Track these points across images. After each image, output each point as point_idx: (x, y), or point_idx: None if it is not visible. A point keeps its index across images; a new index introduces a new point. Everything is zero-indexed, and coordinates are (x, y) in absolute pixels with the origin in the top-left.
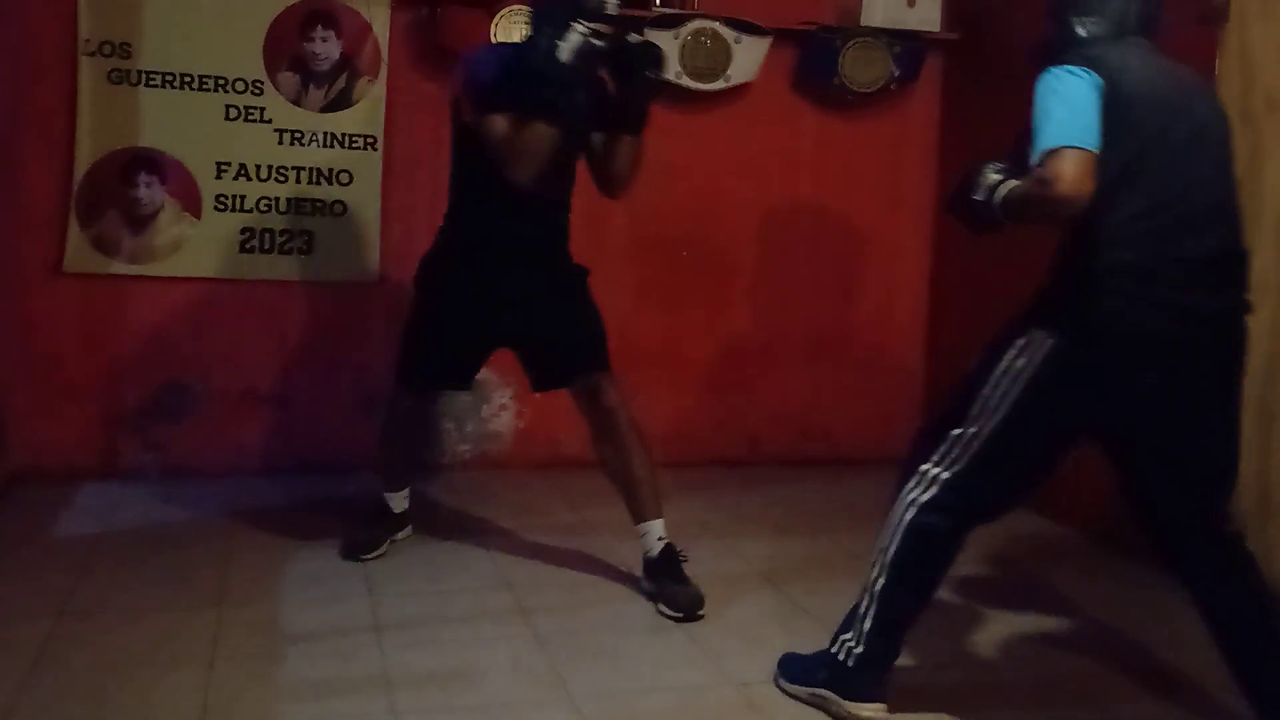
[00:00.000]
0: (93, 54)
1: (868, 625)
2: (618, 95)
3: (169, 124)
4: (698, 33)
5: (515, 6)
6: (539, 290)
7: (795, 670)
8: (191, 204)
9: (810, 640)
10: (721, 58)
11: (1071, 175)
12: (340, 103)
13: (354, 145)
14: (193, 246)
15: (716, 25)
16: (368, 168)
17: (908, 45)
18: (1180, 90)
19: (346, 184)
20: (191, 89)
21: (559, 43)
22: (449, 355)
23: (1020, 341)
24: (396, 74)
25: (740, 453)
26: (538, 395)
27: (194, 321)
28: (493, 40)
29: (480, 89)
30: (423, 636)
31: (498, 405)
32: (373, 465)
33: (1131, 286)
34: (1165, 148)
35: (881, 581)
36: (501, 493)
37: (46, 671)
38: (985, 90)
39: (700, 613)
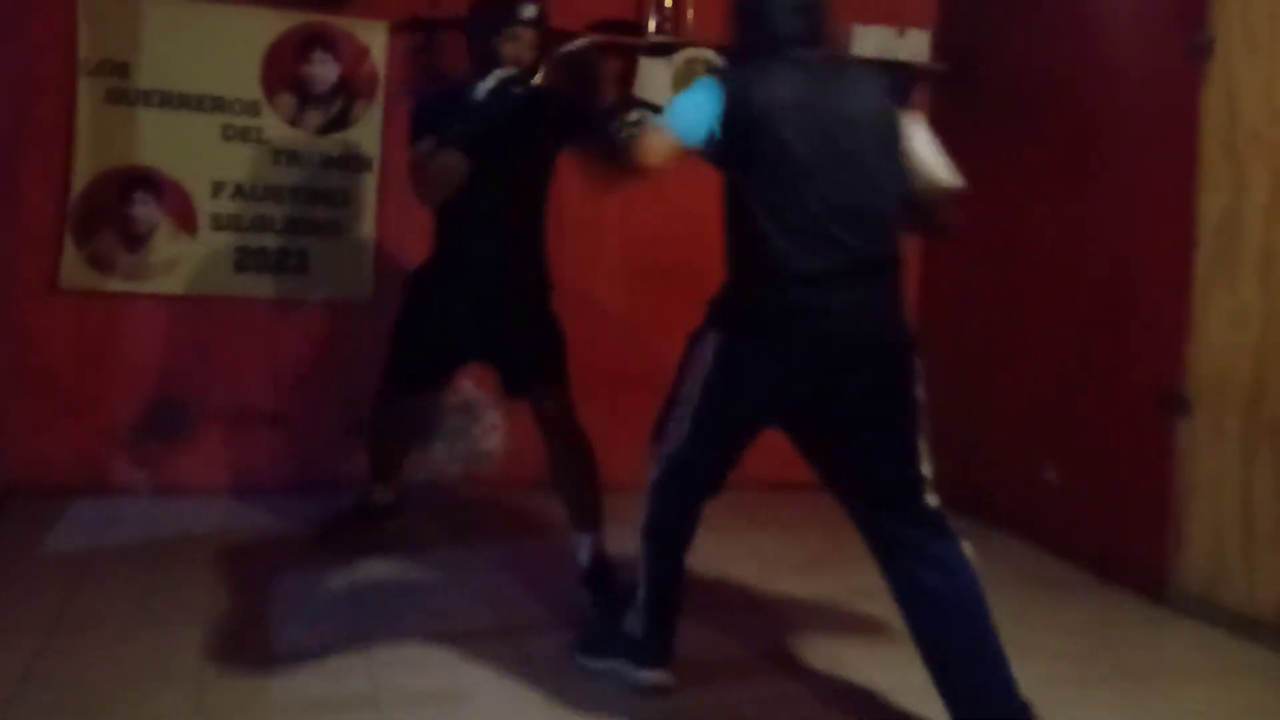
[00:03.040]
0: (92, 73)
1: (642, 596)
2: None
3: (166, 143)
4: (690, 60)
5: (514, 29)
6: (496, 304)
7: (592, 645)
8: (187, 222)
9: (797, 664)
10: None
11: (650, 145)
12: (337, 124)
13: (350, 166)
14: (188, 264)
15: (708, 53)
16: (363, 189)
17: (897, 75)
18: (819, 97)
19: (342, 204)
20: (189, 109)
21: (477, 83)
22: (417, 357)
23: (702, 336)
24: (393, 97)
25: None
26: (528, 416)
27: (188, 339)
28: None
29: (411, 120)
30: (412, 656)
31: (488, 425)
32: (363, 476)
33: (761, 289)
34: (788, 156)
35: (643, 557)
36: (492, 512)
37: (36, 688)
38: (972, 120)
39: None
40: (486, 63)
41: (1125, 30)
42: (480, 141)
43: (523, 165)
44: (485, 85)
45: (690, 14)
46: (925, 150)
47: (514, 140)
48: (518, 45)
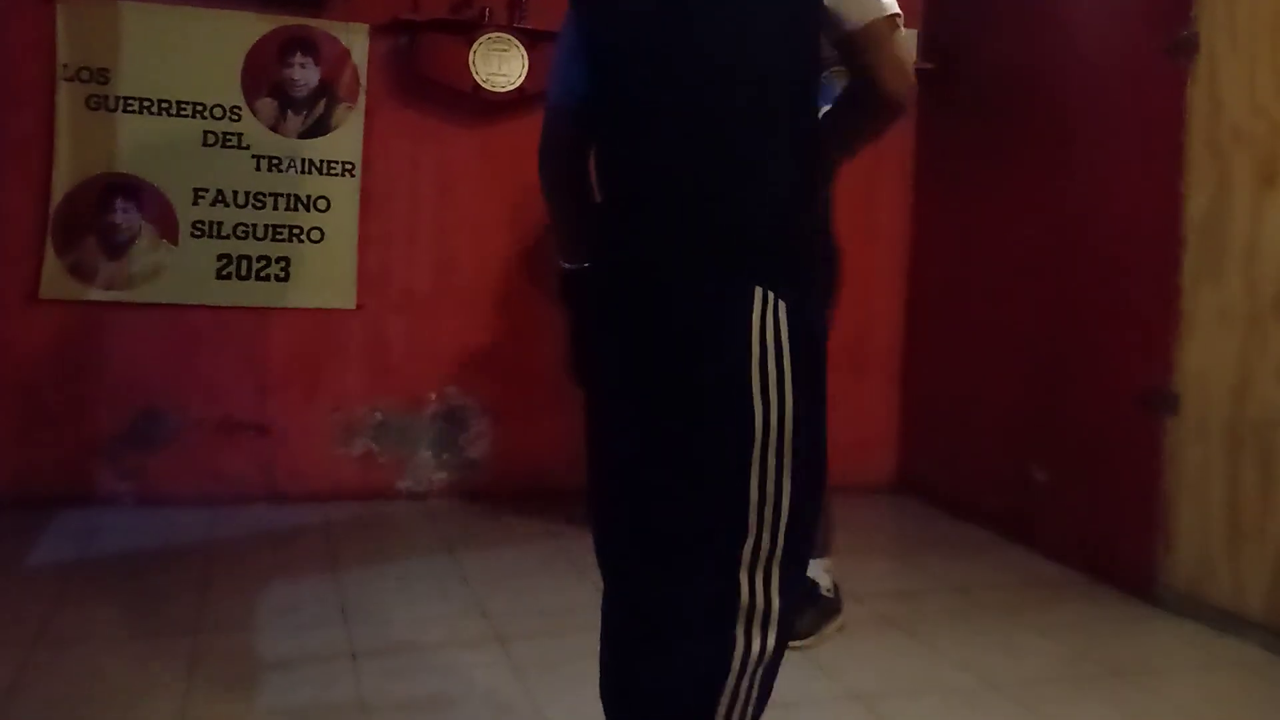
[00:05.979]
0: (71, 79)
1: None
2: None
3: (147, 150)
4: None
5: (493, 34)
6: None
7: None
8: (168, 230)
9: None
10: None
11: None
12: (318, 129)
13: (332, 172)
14: (169, 273)
15: None
16: (345, 194)
17: None
18: None
19: (324, 210)
20: (169, 115)
21: None
22: None
23: None
24: (375, 101)
25: None
26: (516, 422)
27: (170, 348)
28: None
29: None
30: (400, 664)
31: (475, 433)
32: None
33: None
34: (610, 43)
35: None
36: (479, 520)
37: (21, 700)
38: (960, 119)
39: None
40: None
41: (1110, 27)
42: None
43: None
44: None
45: None
46: None
47: None
48: None
